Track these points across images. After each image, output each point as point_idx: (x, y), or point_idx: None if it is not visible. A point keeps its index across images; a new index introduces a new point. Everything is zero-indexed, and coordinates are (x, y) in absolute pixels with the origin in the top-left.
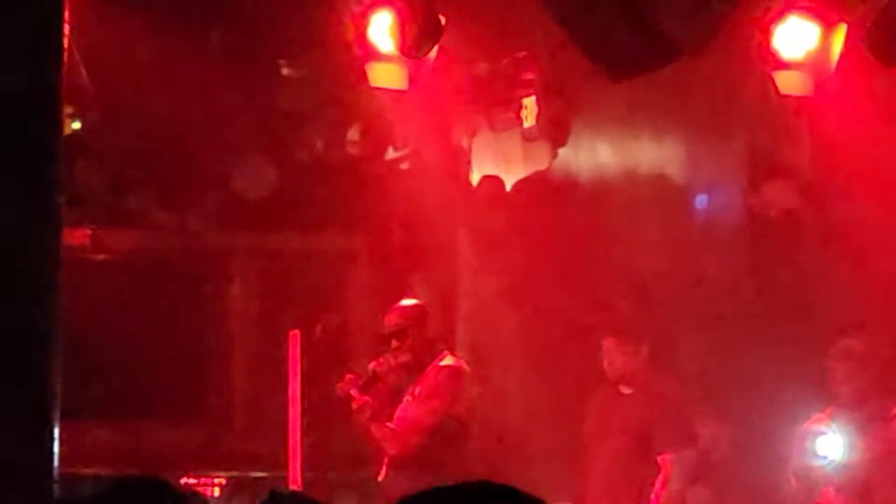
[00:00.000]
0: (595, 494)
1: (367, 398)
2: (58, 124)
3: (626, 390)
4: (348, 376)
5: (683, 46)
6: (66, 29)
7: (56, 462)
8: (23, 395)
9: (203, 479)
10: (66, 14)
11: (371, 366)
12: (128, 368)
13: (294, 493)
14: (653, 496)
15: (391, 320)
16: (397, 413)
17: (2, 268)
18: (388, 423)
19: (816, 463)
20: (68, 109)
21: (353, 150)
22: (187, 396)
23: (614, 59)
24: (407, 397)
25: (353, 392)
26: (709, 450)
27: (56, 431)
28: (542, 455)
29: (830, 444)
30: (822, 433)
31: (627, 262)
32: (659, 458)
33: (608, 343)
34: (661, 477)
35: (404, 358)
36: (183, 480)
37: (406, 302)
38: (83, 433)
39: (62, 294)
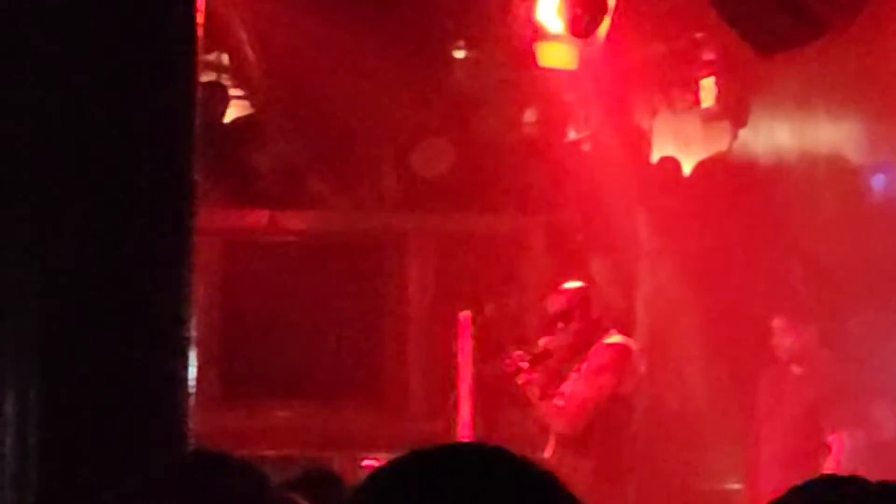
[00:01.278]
0: (766, 475)
1: (534, 374)
2: (192, 102)
3: (796, 370)
4: (516, 352)
5: (830, 21)
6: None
7: (189, 438)
8: (156, 376)
9: (383, 461)
10: None
11: (542, 342)
12: (305, 350)
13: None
14: None
15: (555, 303)
16: (564, 390)
17: (133, 246)
18: (555, 401)
19: None
20: (238, 92)
21: (531, 131)
22: (363, 378)
23: (762, 35)
24: (573, 375)
25: (523, 365)
26: (880, 431)
27: (187, 411)
28: (714, 435)
29: None
30: None
31: (802, 243)
32: (830, 438)
33: (778, 322)
34: (831, 457)
35: (569, 339)
36: (364, 462)
37: (570, 284)
38: (264, 415)
39: (239, 275)
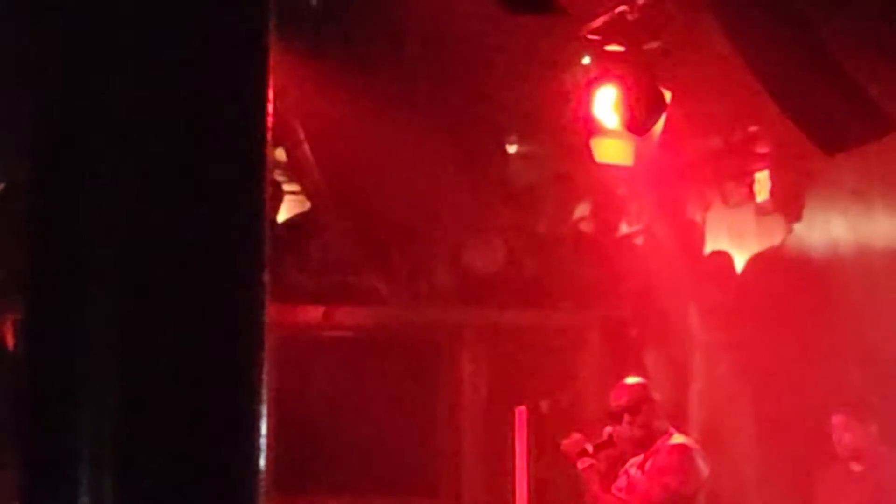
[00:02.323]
0: None
1: (596, 462)
2: (262, 201)
3: (856, 467)
4: (575, 435)
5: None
6: (270, 103)
7: None
8: (229, 472)
9: None
10: (270, 90)
11: (608, 430)
12: (360, 444)
13: None
14: None
15: (620, 396)
16: (626, 485)
17: (209, 351)
18: (615, 492)
19: None
20: (295, 188)
21: (584, 226)
22: (419, 472)
23: (826, 131)
24: (633, 471)
25: (588, 448)
26: None
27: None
28: None
29: None
30: None
31: (861, 337)
32: None
33: (837, 419)
34: None
35: (634, 433)
36: None
37: (632, 380)
38: None
39: (295, 370)
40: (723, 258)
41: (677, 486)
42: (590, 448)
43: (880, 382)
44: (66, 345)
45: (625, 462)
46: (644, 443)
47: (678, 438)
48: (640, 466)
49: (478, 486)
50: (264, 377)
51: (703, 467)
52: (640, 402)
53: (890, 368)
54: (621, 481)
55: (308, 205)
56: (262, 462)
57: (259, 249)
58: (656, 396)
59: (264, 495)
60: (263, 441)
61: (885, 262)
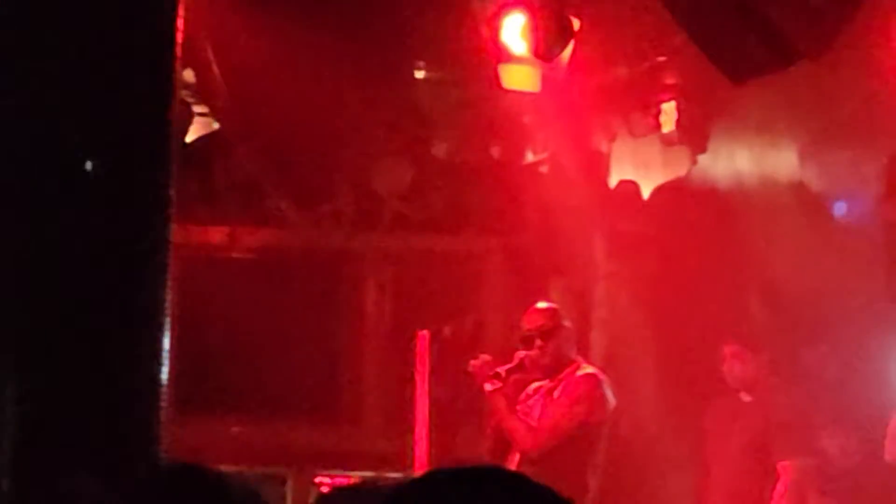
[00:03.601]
0: (715, 502)
1: (505, 385)
2: (169, 120)
3: (746, 398)
4: (484, 356)
5: (803, 49)
6: (180, 25)
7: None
8: (130, 385)
9: (337, 478)
10: (180, 11)
11: (520, 355)
12: (263, 365)
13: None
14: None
15: (535, 321)
16: (532, 411)
17: (112, 258)
18: (525, 419)
19: None
20: (203, 109)
21: (490, 153)
22: (320, 395)
23: (733, 60)
24: (537, 398)
25: (500, 371)
26: (838, 460)
27: (160, 419)
28: (670, 462)
29: None
30: None
31: (761, 269)
32: (779, 466)
33: (728, 349)
34: (780, 485)
35: (548, 360)
36: (317, 479)
37: (544, 304)
38: (219, 429)
39: (197, 290)
40: (630, 187)
41: (586, 416)
42: (502, 372)
43: (777, 314)
44: None
45: (527, 387)
46: (552, 370)
47: (587, 368)
48: (548, 394)
49: (379, 409)
50: (167, 295)
51: (611, 398)
52: (553, 327)
53: (787, 301)
54: (524, 407)
55: (216, 126)
56: (164, 380)
57: (165, 166)
58: (567, 324)
59: (165, 415)
60: (165, 360)
61: (788, 195)
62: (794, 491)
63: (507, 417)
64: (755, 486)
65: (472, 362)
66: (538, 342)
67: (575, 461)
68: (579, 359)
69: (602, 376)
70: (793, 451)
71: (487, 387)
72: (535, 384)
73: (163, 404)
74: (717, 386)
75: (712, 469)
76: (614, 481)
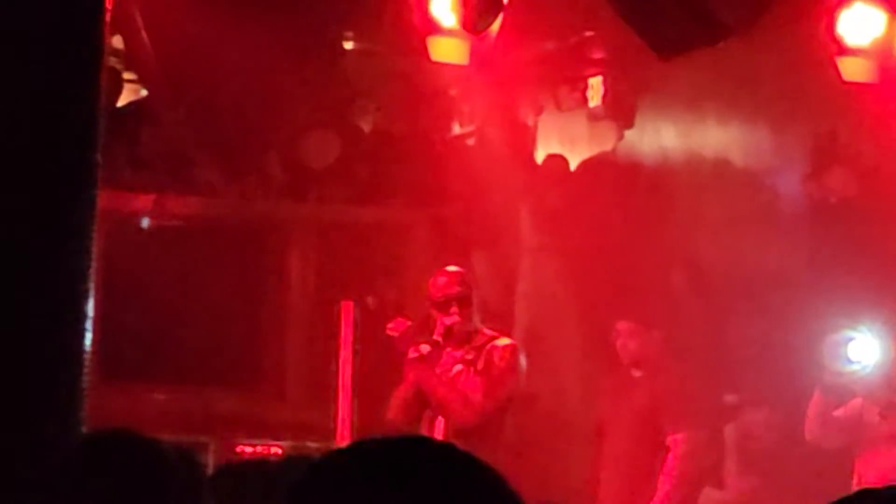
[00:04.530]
0: (607, 476)
1: (423, 353)
2: (96, 85)
3: (636, 373)
4: (402, 320)
5: (730, 25)
6: None
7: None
8: (53, 351)
9: (260, 448)
10: None
11: (448, 322)
12: (187, 334)
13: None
14: (662, 477)
15: (451, 287)
16: (461, 384)
17: (35, 228)
18: (463, 393)
19: (848, 369)
20: (132, 76)
21: (417, 125)
22: (244, 364)
23: (661, 36)
24: (459, 367)
25: (439, 339)
26: (758, 436)
27: (83, 388)
28: (580, 435)
29: (863, 348)
30: (853, 338)
31: (684, 245)
32: (669, 439)
33: (621, 326)
34: (669, 459)
35: (469, 327)
36: (240, 448)
37: (454, 269)
38: (142, 397)
39: (122, 257)
40: (557, 161)
41: (513, 387)
42: (439, 339)
43: (701, 289)
44: None
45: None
46: (467, 337)
47: (505, 339)
48: (470, 364)
49: (302, 378)
50: (91, 262)
51: (524, 368)
52: (469, 293)
53: (711, 275)
54: (446, 377)
55: (144, 93)
56: (87, 347)
57: (92, 133)
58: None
59: (88, 382)
60: (88, 326)
61: (713, 172)
62: (685, 464)
63: (438, 387)
64: (646, 460)
65: (391, 325)
66: (454, 309)
67: (492, 433)
68: (487, 329)
69: (519, 346)
70: (683, 424)
71: (411, 353)
72: (453, 352)
73: (86, 371)
74: (611, 361)
75: (605, 442)
76: (537, 453)
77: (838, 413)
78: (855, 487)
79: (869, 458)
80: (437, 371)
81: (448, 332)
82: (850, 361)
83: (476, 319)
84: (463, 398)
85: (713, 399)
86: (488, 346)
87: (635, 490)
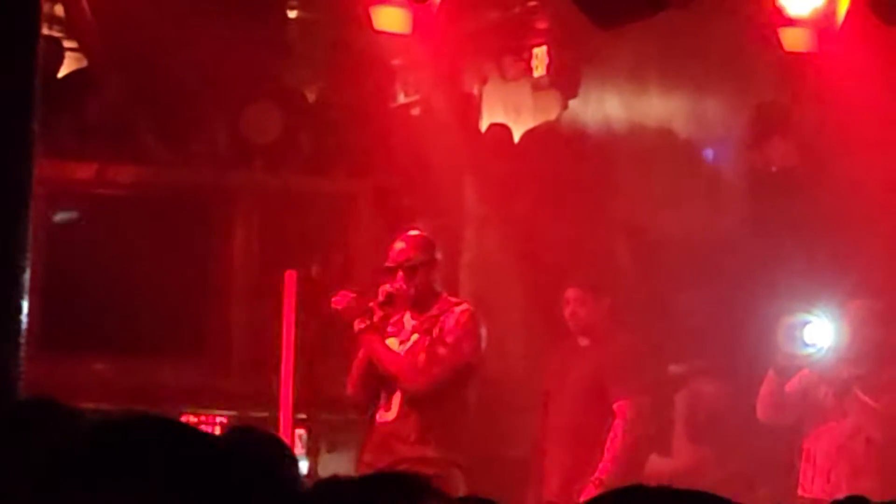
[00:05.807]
0: (553, 444)
1: (372, 322)
2: (33, 52)
3: (583, 342)
4: (346, 292)
5: None
6: None
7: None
8: None
9: (205, 417)
10: None
11: (386, 289)
12: (128, 303)
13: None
14: (608, 443)
15: (399, 254)
16: (417, 350)
17: None
18: (406, 356)
19: (803, 352)
20: (73, 44)
21: (361, 95)
22: (186, 334)
23: (603, 7)
24: (416, 335)
25: (374, 306)
26: (701, 405)
27: (19, 358)
28: (532, 402)
29: (818, 331)
30: (808, 321)
31: (628, 214)
32: (615, 406)
33: (569, 293)
34: (615, 425)
35: (413, 292)
36: (184, 418)
37: (414, 233)
38: (83, 367)
39: (64, 227)
40: (501, 131)
41: (470, 356)
42: (374, 306)
43: (644, 257)
44: None
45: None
46: (419, 303)
47: (463, 305)
48: (426, 332)
49: (245, 348)
50: (28, 231)
51: (484, 335)
52: (417, 260)
53: (655, 243)
54: (394, 342)
55: (86, 62)
56: (24, 317)
57: (29, 101)
58: (438, 255)
59: (26, 351)
60: (25, 295)
61: (657, 141)
62: (631, 429)
63: (386, 355)
64: (592, 426)
65: (335, 298)
66: (400, 274)
67: (454, 402)
68: (446, 294)
69: (478, 314)
70: (628, 391)
71: (357, 324)
72: (405, 319)
73: (22, 341)
74: (558, 329)
75: (550, 409)
76: (483, 422)
77: (789, 388)
78: (802, 461)
79: (818, 434)
80: (398, 340)
81: (388, 299)
82: (806, 345)
83: (432, 285)
84: (412, 365)
85: (660, 367)
86: (447, 312)
87: (582, 458)
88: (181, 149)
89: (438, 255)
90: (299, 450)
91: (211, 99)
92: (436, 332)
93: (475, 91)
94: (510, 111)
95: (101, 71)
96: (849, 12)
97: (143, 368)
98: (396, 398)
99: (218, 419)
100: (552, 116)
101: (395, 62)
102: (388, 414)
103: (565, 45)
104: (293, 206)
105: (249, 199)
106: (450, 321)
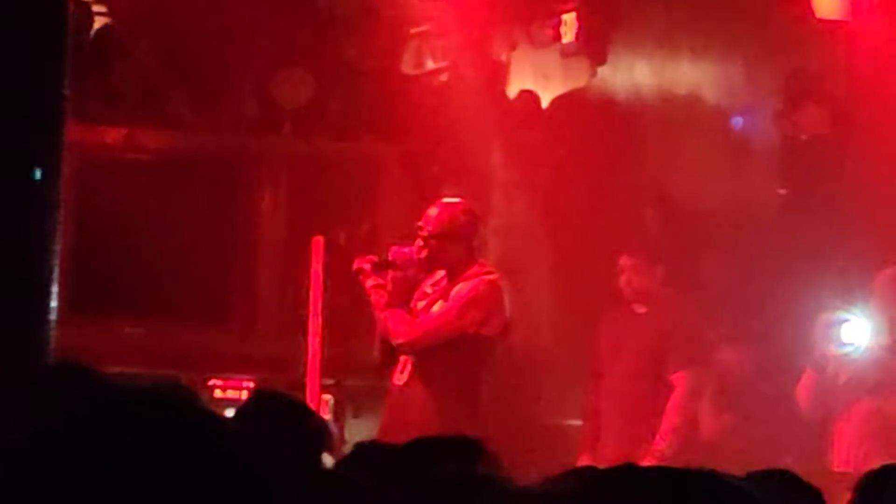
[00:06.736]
0: (607, 413)
1: (380, 280)
2: (63, 17)
3: (640, 309)
4: (370, 256)
5: None
6: None
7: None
8: (21, 284)
9: (231, 382)
10: None
11: (390, 252)
12: (157, 268)
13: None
14: (667, 412)
15: (426, 220)
16: (419, 307)
17: (3, 157)
18: (404, 312)
19: (840, 351)
20: (102, 8)
21: (390, 60)
22: (214, 298)
23: None
24: (430, 293)
25: (366, 267)
26: (729, 374)
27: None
28: (564, 371)
29: (856, 330)
30: (846, 320)
31: (658, 182)
32: (672, 377)
33: (624, 261)
34: (674, 395)
35: (424, 253)
36: (210, 382)
37: (448, 200)
38: (112, 331)
39: (94, 191)
40: (529, 97)
41: (478, 326)
42: (366, 266)
43: (674, 227)
44: None
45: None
46: (449, 270)
47: (491, 275)
48: (444, 293)
49: (273, 313)
50: (59, 195)
51: (508, 310)
52: (440, 229)
53: (685, 213)
54: (421, 304)
55: (113, 25)
56: (55, 282)
57: (59, 66)
58: (472, 225)
59: (57, 314)
60: (56, 259)
61: (686, 109)
62: (689, 401)
63: (383, 309)
64: (648, 397)
65: (358, 259)
66: (419, 240)
67: (466, 372)
68: (483, 261)
69: (503, 286)
70: (687, 362)
71: (369, 283)
72: (425, 285)
73: (53, 304)
74: (612, 297)
75: (605, 380)
76: (511, 389)
77: (828, 384)
78: (835, 441)
79: (848, 415)
80: (410, 300)
81: (387, 261)
82: (843, 344)
83: (459, 252)
84: (402, 319)
85: (705, 336)
86: (469, 278)
87: (638, 426)
88: (210, 114)
89: (471, 225)
90: (326, 415)
91: (240, 64)
92: (452, 294)
93: (503, 57)
94: (539, 78)
95: (131, 35)
96: None
97: (172, 332)
98: (410, 362)
99: (245, 383)
100: (581, 83)
101: (425, 28)
102: (402, 377)
103: (594, 12)
104: (321, 171)
105: (278, 164)
106: (464, 288)
